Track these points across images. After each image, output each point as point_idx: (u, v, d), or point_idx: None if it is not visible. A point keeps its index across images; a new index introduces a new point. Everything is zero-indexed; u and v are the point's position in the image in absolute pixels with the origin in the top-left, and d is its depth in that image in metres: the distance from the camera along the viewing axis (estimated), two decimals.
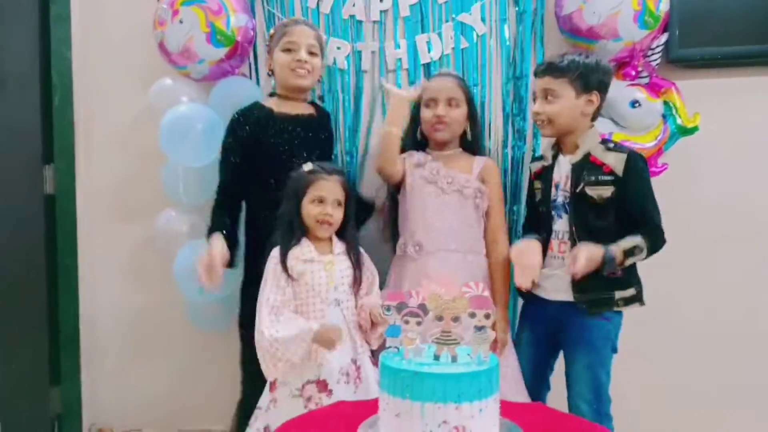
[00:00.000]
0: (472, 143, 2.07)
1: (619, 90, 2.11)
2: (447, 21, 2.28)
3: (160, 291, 2.47)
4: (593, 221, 1.83)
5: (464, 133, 2.05)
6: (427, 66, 2.30)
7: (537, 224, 1.97)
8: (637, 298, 1.87)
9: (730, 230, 2.26)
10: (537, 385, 1.97)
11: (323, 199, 1.80)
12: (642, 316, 1.92)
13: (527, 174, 2.12)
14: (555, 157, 1.94)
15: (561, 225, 1.88)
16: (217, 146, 2.10)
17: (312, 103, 2.15)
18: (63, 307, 2.55)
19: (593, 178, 1.83)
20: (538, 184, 1.98)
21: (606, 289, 1.83)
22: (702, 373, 2.29)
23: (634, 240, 1.77)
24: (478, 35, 2.27)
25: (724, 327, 2.28)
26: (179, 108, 2.23)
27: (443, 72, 2.16)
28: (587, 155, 1.86)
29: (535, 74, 1.93)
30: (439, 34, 2.29)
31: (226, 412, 2.19)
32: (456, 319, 1.28)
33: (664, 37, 2.13)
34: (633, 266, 1.86)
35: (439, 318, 1.28)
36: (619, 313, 1.88)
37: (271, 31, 2.12)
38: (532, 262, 1.81)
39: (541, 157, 2.00)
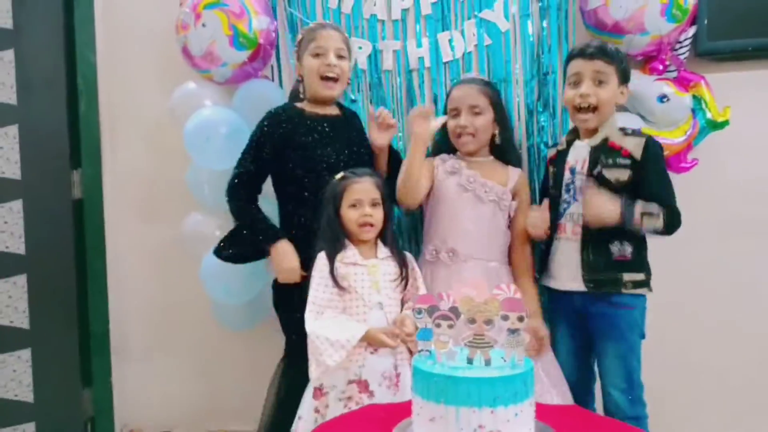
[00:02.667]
0: (501, 148, 2.04)
1: (647, 85, 2.08)
2: (469, 18, 2.26)
3: (187, 292, 2.48)
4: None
5: (493, 137, 2.02)
6: (449, 64, 2.28)
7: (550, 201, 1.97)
8: (646, 284, 1.86)
9: (761, 224, 2.22)
10: (584, 376, 1.96)
11: (360, 202, 1.81)
12: (665, 305, 1.94)
13: None
14: (570, 143, 1.95)
15: (576, 207, 1.87)
16: (240, 150, 2.10)
17: (337, 104, 2.14)
18: (93, 309, 2.58)
19: (611, 161, 1.83)
20: (552, 169, 1.98)
21: (615, 271, 1.83)
22: (730, 360, 2.27)
23: (652, 205, 1.78)
24: (501, 32, 2.25)
25: (751, 318, 2.25)
26: (203, 112, 2.24)
27: (466, 78, 2.13)
28: (605, 140, 1.86)
29: (581, 56, 1.88)
30: (462, 32, 2.27)
31: (254, 412, 2.20)
32: (488, 322, 1.27)
33: (692, 30, 2.09)
34: (644, 252, 1.87)
35: (472, 321, 1.27)
36: (642, 298, 1.87)
37: (299, 36, 2.11)
38: (543, 213, 1.89)
39: (557, 144, 2.01)
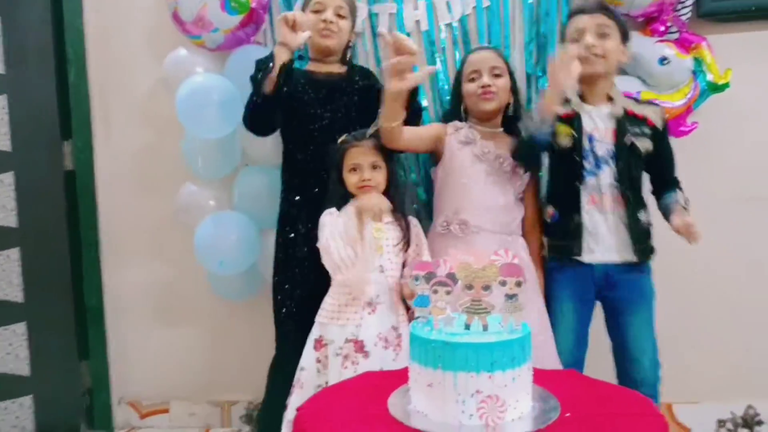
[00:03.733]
0: (513, 119, 1.98)
1: (648, 46, 2.05)
2: None
3: (182, 263, 2.47)
4: (635, 174, 1.84)
5: (507, 106, 1.98)
6: (447, 27, 2.24)
7: (557, 172, 1.92)
8: (654, 250, 1.89)
9: (760, 189, 2.21)
10: (580, 351, 1.94)
11: (358, 166, 1.81)
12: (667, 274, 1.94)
13: None
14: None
15: (604, 177, 1.83)
16: (235, 117, 2.06)
17: (347, 62, 2.10)
18: (87, 282, 2.57)
19: (638, 129, 1.83)
20: (565, 129, 1.84)
21: (647, 239, 1.86)
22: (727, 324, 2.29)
23: (682, 195, 1.83)
24: None
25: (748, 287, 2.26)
26: (195, 79, 2.19)
27: (481, 46, 2.12)
28: (624, 109, 1.84)
29: (582, 12, 1.86)
30: None
31: (253, 382, 2.21)
32: (486, 288, 1.25)
33: None
34: (643, 228, 1.86)
35: (469, 287, 1.26)
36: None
37: None
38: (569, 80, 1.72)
39: (568, 101, 1.88)
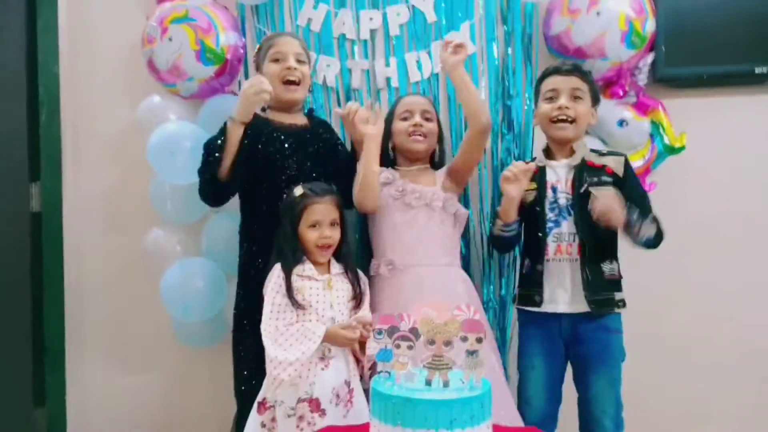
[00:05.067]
0: (438, 163, 2.08)
1: (607, 109, 2.14)
2: (436, 39, 2.29)
3: (147, 308, 2.44)
4: (593, 222, 1.83)
5: (433, 153, 2.07)
6: (416, 84, 2.31)
7: (527, 225, 1.95)
8: (625, 303, 1.90)
9: (716, 243, 2.29)
10: (553, 407, 1.94)
11: (319, 223, 1.80)
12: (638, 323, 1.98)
13: None
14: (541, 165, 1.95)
15: (566, 227, 1.88)
16: None
17: (308, 114, 2.13)
18: (48, 325, 2.51)
19: (596, 178, 1.86)
20: (531, 186, 1.92)
21: (609, 290, 1.86)
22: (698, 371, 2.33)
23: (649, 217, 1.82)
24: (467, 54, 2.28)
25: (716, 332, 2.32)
26: (167, 126, 2.22)
27: (414, 93, 2.22)
28: (584, 159, 1.90)
29: (558, 72, 1.92)
30: (429, 53, 2.30)
31: (213, 429, 2.17)
32: (448, 344, 1.27)
33: (650, 57, 2.16)
34: (604, 278, 1.87)
35: (431, 342, 1.28)
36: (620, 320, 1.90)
37: (257, 47, 2.10)
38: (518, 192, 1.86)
39: (533, 159, 2.00)
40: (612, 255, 1.90)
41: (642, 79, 2.17)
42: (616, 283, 1.89)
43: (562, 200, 1.89)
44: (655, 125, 2.17)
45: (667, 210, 2.18)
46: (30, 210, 2.48)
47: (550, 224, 1.90)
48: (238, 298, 2.00)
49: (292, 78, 1.99)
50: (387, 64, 2.31)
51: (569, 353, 1.92)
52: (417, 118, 2.00)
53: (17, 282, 2.44)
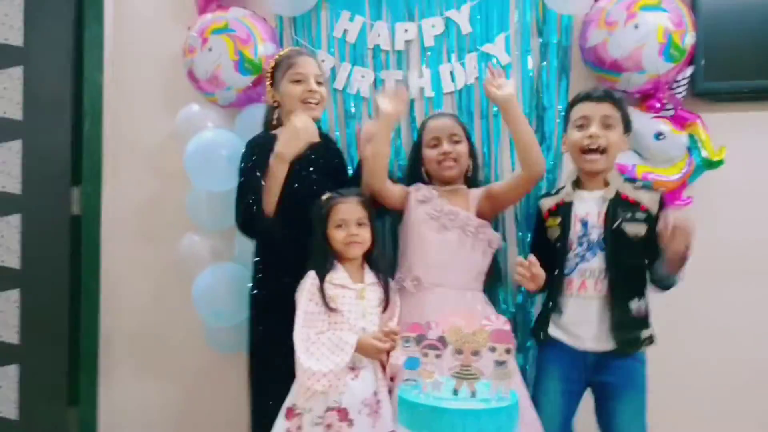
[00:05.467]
0: (473, 178, 2.08)
1: (644, 122, 2.10)
2: (471, 51, 2.30)
3: (180, 313, 2.48)
4: (627, 259, 1.79)
5: (467, 169, 2.06)
6: (450, 95, 2.31)
7: (547, 262, 1.85)
8: (653, 339, 1.85)
9: (753, 263, 2.22)
10: None
11: (345, 222, 1.82)
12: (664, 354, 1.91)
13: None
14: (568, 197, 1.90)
15: (596, 263, 1.81)
16: None
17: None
18: (84, 327, 2.57)
19: (630, 215, 1.80)
20: (554, 221, 1.89)
21: (635, 329, 1.81)
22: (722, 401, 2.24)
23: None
24: (501, 65, 2.28)
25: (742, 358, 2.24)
26: (205, 133, 2.26)
27: (439, 112, 2.21)
28: (618, 193, 1.84)
29: (589, 99, 1.87)
30: (462, 64, 2.30)
31: None
32: (476, 353, 1.27)
33: (689, 70, 2.12)
34: (630, 317, 1.81)
35: (459, 351, 1.27)
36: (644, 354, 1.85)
37: (271, 63, 2.09)
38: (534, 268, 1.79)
39: (557, 192, 1.95)
40: (640, 292, 1.83)
41: (680, 92, 2.13)
42: (643, 321, 1.83)
43: (594, 235, 1.82)
44: (693, 139, 2.12)
45: (703, 226, 2.14)
46: (71, 213, 2.56)
47: (577, 259, 1.84)
48: (253, 311, 1.99)
49: (312, 100, 2.01)
50: (420, 75, 2.33)
51: (592, 383, 1.86)
52: (445, 146, 1.99)
53: (57, 285, 2.51)
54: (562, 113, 2.21)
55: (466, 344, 1.27)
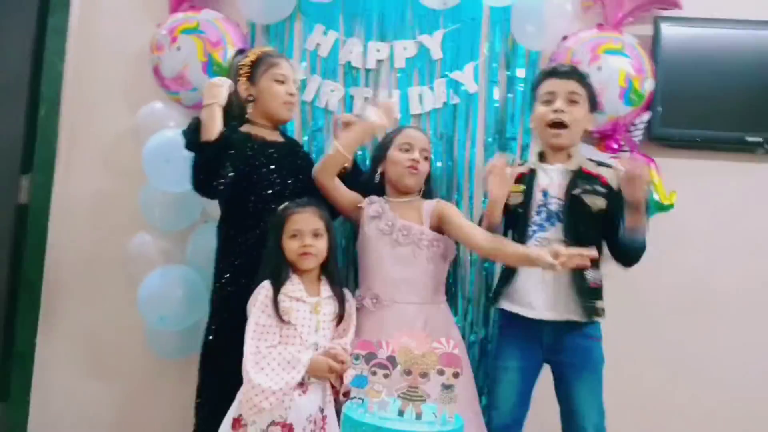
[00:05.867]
0: (428, 193, 2.09)
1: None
2: (441, 77, 2.34)
3: (122, 313, 2.41)
4: (585, 231, 1.83)
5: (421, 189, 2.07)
6: (417, 117, 2.34)
7: (512, 228, 1.94)
8: (604, 312, 1.88)
9: (701, 304, 2.31)
10: (521, 412, 1.92)
11: (299, 232, 1.80)
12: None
13: None
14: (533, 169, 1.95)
15: (553, 233, 1.86)
16: None
17: (280, 132, 2.13)
18: (21, 323, 2.47)
19: (590, 186, 1.86)
20: (518, 188, 1.92)
21: (592, 298, 1.85)
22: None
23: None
24: (468, 93, 2.33)
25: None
26: (166, 132, 2.22)
27: (417, 126, 2.22)
28: (580, 167, 1.89)
29: (556, 75, 1.93)
30: (431, 88, 2.34)
31: None
32: (424, 375, 1.27)
33: (647, 115, 2.21)
34: (586, 286, 1.84)
35: (408, 372, 1.28)
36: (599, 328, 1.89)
37: (250, 57, 2.04)
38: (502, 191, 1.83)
39: (523, 164, 1.99)
40: (596, 264, 1.85)
41: (637, 135, 2.21)
42: (599, 291, 1.87)
43: (553, 206, 1.88)
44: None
45: (652, 267, 2.21)
46: (17, 202, 2.46)
47: (534, 227, 1.88)
48: (213, 313, 1.96)
49: (292, 102, 2.04)
50: (389, 95, 2.35)
51: (550, 362, 1.90)
52: (416, 155, 2.00)
53: None
54: (525, 143, 2.27)
55: (414, 365, 1.27)
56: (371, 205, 2.00)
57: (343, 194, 2.02)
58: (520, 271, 1.89)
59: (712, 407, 2.29)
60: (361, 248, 2.02)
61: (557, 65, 2.00)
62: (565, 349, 1.86)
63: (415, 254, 1.94)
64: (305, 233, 1.80)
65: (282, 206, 1.86)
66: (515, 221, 1.93)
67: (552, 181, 1.90)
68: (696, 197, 2.27)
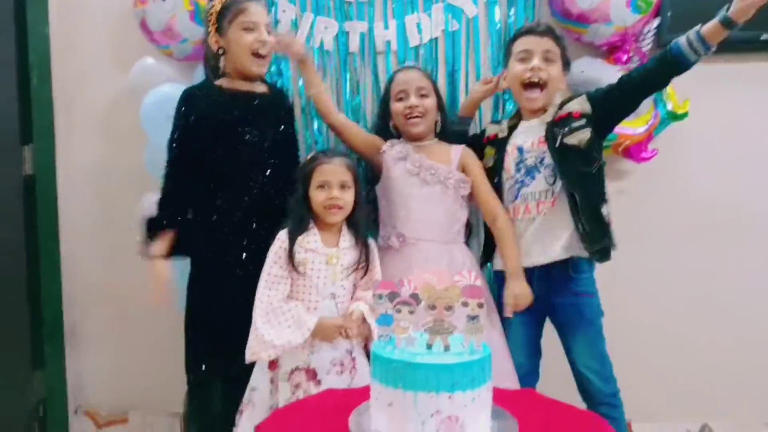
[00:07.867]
0: (443, 131, 2.05)
1: (610, 74, 2.08)
2: (437, 2, 2.24)
3: (143, 272, 2.42)
4: (581, 168, 1.84)
5: (435, 123, 2.03)
6: (416, 49, 2.26)
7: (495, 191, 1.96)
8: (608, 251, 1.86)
9: (717, 215, 2.28)
10: (533, 361, 1.99)
11: (327, 183, 1.77)
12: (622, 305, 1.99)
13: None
14: (513, 128, 1.97)
15: (535, 185, 1.88)
16: None
17: (266, 81, 2.05)
18: (45, 290, 2.51)
19: (567, 128, 1.85)
20: (491, 150, 1.98)
21: (605, 236, 1.85)
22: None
23: None
24: (468, 17, 2.24)
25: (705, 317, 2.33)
26: (162, 88, 2.18)
27: (408, 65, 2.15)
28: (553, 117, 1.89)
29: (532, 32, 1.92)
30: (429, 15, 2.25)
31: None
32: (449, 308, 1.27)
33: (656, 22, 2.12)
34: (604, 223, 1.85)
35: (432, 307, 1.27)
36: (594, 280, 1.91)
37: (215, 5, 1.93)
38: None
39: (500, 122, 2.03)
40: (604, 199, 1.87)
41: (646, 44, 2.13)
42: (609, 228, 1.87)
43: (530, 160, 1.89)
44: (659, 92, 2.13)
45: (667, 179, 2.19)
46: (23, 173, 2.45)
47: (517, 185, 1.91)
48: (194, 270, 1.95)
49: (263, 52, 1.92)
50: (386, 27, 2.26)
51: (545, 314, 1.94)
52: (412, 99, 1.96)
53: (12, 247, 2.40)
54: None
55: (438, 300, 1.27)
56: (394, 147, 1.99)
57: (355, 133, 2.06)
58: (518, 229, 1.92)
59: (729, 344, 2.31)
60: (385, 189, 2.00)
61: (533, 24, 2.02)
62: (555, 310, 1.90)
63: (443, 193, 1.95)
64: (333, 184, 1.77)
65: (310, 155, 1.85)
66: (498, 184, 1.95)
67: (526, 138, 1.92)
68: (711, 104, 2.21)
